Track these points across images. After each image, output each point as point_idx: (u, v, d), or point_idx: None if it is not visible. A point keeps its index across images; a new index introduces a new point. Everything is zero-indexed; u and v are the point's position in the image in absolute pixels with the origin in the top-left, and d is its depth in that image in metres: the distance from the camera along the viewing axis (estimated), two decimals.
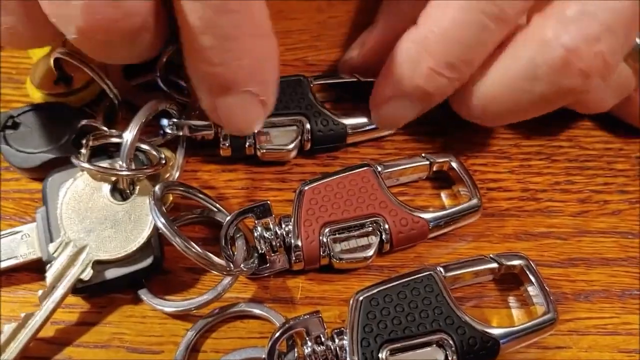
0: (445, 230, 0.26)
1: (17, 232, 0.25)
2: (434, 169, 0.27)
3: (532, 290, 0.25)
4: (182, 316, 0.24)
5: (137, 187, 0.25)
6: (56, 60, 0.28)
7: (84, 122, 0.27)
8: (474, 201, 0.26)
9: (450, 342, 0.22)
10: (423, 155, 0.27)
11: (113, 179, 0.25)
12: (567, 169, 0.29)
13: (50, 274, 0.23)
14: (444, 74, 0.25)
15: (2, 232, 0.25)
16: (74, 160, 0.24)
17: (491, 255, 0.25)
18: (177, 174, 0.27)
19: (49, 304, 0.23)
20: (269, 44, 0.23)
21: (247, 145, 0.27)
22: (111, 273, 0.24)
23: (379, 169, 0.26)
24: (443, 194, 0.28)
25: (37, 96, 0.29)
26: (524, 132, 0.30)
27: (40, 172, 0.27)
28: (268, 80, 0.24)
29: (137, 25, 0.21)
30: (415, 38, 0.26)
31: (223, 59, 0.22)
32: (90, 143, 0.25)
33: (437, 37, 0.25)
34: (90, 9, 0.20)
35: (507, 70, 0.25)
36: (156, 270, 0.24)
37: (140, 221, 0.24)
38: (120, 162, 0.24)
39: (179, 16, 0.22)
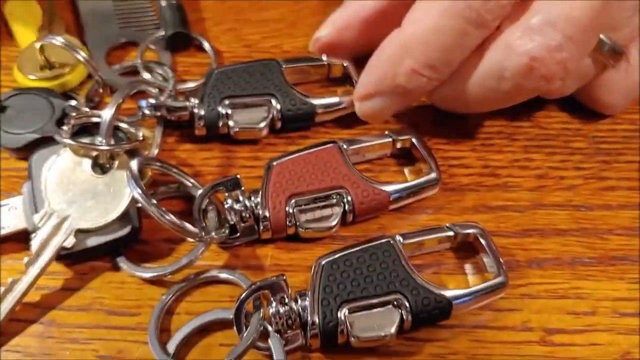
0: (406, 202, 0.29)
1: (5, 205, 0.28)
2: (397, 145, 0.30)
3: (486, 258, 0.27)
4: (157, 282, 0.27)
5: (117, 162, 0.28)
6: (41, 46, 0.31)
7: (66, 104, 0.30)
8: (433, 175, 0.29)
9: (405, 302, 0.25)
10: (386, 132, 0.30)
11: (94, 154, 0.27)
12: (526, 147, 0.32)
13: (36, 242, 0.26)
14: (425, 74, 0.28)
15: None
16: (57, 137, 0.27)
17: (447, 225, 0.27)
18: (155, 152, 0.30)
19: (34, 269, 0.26)
20: None
21: (220, 125, 0.30)
22: (92, 241, 0.26)
23: (344, 146, 0.29)
24: (406, 170, 0.31)
25: (23, 82, 0.32)
26: (487, 114, 0.32)
27: (27, 152, 0.30)
28: None
29: None
30: (399, 41, 0.28)
31: None
32: (72, 121, 0.28)
33: (419, 41, 0.28)
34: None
35: (478, 70, 0.28)
36: (134, 239, 0.27)
37: (119, 193, 0.27)
38: (100, 139, 0.27)
39: None
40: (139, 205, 0.27)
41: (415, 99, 0.30)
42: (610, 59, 0.29)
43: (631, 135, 0.32)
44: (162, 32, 0.35)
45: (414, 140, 0.30)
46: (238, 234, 0.28)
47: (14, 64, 0.33)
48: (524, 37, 0.27)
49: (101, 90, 0.31)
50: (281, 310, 0.25)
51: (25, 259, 0.26)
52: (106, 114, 0.27)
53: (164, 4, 0.35)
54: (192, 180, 0.28)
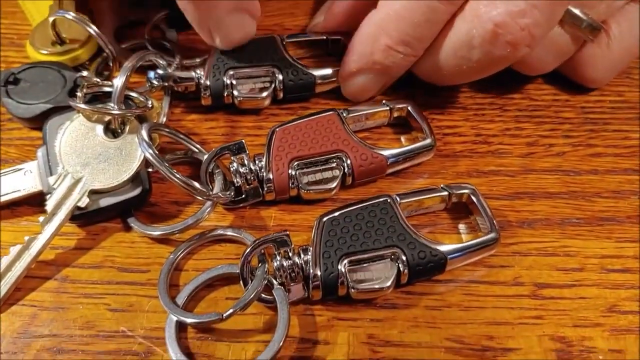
0: (403, 166, 0.30)
1: (20, 170, 0.29)
2: (394, 114, 0.32)
3: (479, 217, 0.29)
4: (166, 241, 0.29)
5: (127, 127, 0.29)
6: (54, 21, 0.33)
7: (78, 75, 0.32)
8: (428, 140, 0.30)
9: (402, 256, 0.26)
10: (384, 101, 0.32)
11: (106, 119, 0.29)
12: (517, 117, 0.33)
13: (51, 203, 0.27)
14: (399, 50, 0.30)
15: (6, 170, 0.29)
16: (71, 102, 0.28)
17: (442, 186, 0.29)
18: (163, 121, 0.32)
19: (50, 228, 0.27)
20: None
21: (225, 94, 0.32)
22: (105, 201, 0.28)
23: (344, 113, 0.31)
24: (403, 138, 0.32)
25: (36, 56, 0.34)
26: (479, 87, 0.34)
27: (40, 122, 0.31)
28: None
29: None
30: (374, 20, 0.30)
31: None
32: (85, 90, 0.29)
33: (392, 18, 0.30)
34: None
35: (450, 41, 0.30)
36: (144, 200, 0.29)
37: (130, 156, 0.29)
38: (112, 104, 0.29)
39: None
40: (150, 169, 0.29)
41: (395, 76, 0.32)
42: (589, 35, 0.31)
43: (618, 106, 0.34)
44: (167, 11, 0.36)
45: (409, 108, 0.32)
46: (243, 196, 0.29)
47: (26, 40, 0.34)
48: (489, 5, 0.28)
49: (111, 64, 0.33)
50: (285, 264, 0.26)
51: (41, 218, 0.27)
52: (118, 81, 0.29)
53: None
54: (198, 146, 0.30)
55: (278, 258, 0.26)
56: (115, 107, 0.29)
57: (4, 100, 0.31)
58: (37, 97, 0.31)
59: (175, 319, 0.26)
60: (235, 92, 0.32)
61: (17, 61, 0.35)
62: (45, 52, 0.34)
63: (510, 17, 0.28)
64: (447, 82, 0.33)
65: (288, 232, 0.27)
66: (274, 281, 0.26)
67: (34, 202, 0.29)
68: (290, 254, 0.26)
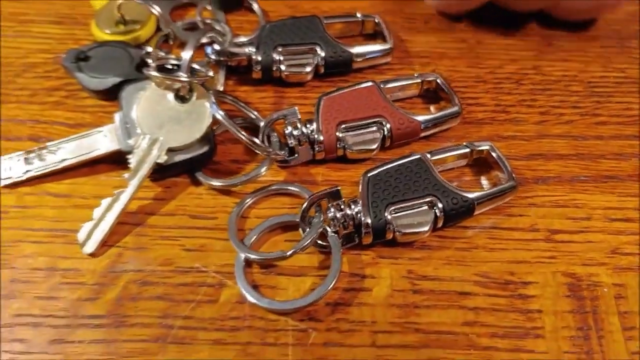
0: (433, 131, 0.36)
1: (99, 132, 0.34)
2: (424, 86, 0.37)
3: (499, 171, 0.34)
4: (229, 193, 0.34)
5: (195, 93, 0.34)
6: (119, 4, 0.38)
7: (144, 51, 0.37)
8: (456, 108, 0.36)
9: (438, 203, 0.32)
10: (416, 74, 0.37)
11: (175, 86, 0.34)
12: (531, 90, 0.39)
13: (134, 160, 0.32)
14: None
15: (86, 132, 0.34)
16: (145, 71, 0.33)
17: (464, 143, 0.34)
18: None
19: (134, 182, 0.32)
20: None
21: (274, 69, 0.37)
22: (179, 157, 0.33)
23: (381, 85, 0.36)
24: (432, 107, 0.38)
25: (100, 36, 0.39)
26: (498, 63, 0.40)
27: (110, 94, 0.36)
28: None
29: None
30: None
31: None
32: (156, 62, 0.34)
33: None
34: None
35: None
36: (210, 157, 0.34)
37: (199, 119, 0.34)
38: (181, 73, 0.34)
39: None
40: (216, 131, 0.34)
41: None
42: None
43: (621, 81, 0.40)
44: None
45: (438, 80, 0.37)
46: (296, 155, 0.34)
47: (89, 20, 0.40)
48: None
49: (171, 42, 0.38)
50: (338, 215, 0.31)
51: (125, 175, 0.32)
52: (186, 54, 0.34)
53: None
54: (255, 113, 0.35)
55: (332, 210, 0.31)
56: (185, 75, 0.34)
57: (78, 74, 0.36)
58: (108, 72, 0.36)
59: (243, 256, 0.31)
60: (282, 67, 0.37)
61: (83, 38, 0.40)
62: (109, 31, 0.39)
63: None
64: (452, 9, 0.39)
65: (339, 187, 0.32)
66: (328, 229, 0.31)
67: (110, 160, 0.34)
68: (343, 206, 0.31)
